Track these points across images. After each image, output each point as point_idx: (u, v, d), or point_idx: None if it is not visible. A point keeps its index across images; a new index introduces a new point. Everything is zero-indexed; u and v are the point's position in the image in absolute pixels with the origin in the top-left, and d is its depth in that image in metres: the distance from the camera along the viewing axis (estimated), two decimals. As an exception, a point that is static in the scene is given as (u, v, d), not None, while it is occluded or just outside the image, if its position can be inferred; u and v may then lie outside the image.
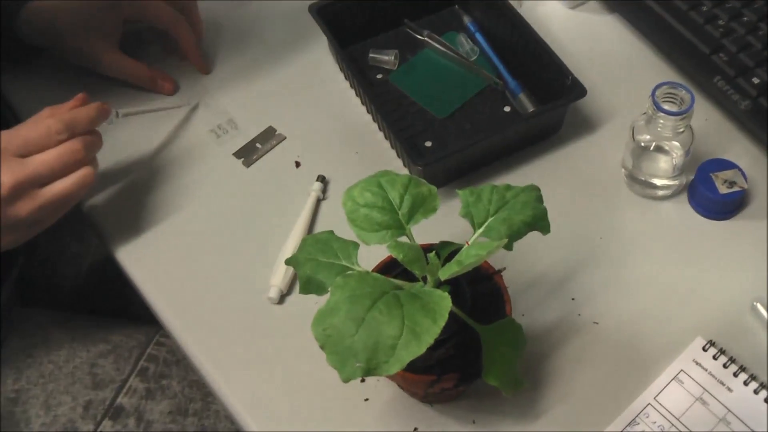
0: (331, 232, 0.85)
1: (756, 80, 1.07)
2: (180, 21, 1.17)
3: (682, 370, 0.91)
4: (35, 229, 0.95)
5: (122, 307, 1.26)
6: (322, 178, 1.07)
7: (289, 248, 1.00)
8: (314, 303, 0.78)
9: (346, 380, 0.71)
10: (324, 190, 1.06)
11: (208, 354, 0.96)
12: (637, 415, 0.88)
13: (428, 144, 1.10)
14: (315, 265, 0.83)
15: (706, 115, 1.11)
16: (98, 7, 1.13)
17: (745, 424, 0.87)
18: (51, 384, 1.08)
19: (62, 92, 1.17)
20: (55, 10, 1.13)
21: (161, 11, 1.16)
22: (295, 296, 0.99)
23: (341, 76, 1.19)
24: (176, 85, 1.19)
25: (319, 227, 1.04)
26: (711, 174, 1.01)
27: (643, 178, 1.03)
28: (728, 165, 1.02)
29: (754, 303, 0.94)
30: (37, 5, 1.13)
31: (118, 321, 1.21)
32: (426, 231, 0.83)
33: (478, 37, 1.20)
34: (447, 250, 0.82)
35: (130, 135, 1.14)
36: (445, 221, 0.86)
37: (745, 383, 0.89)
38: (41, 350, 1.10)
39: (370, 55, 1.18)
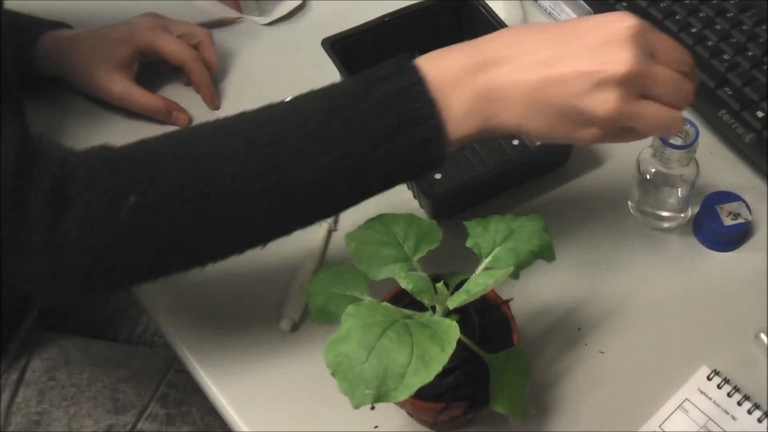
0: (343, 264, 0.86)
1: (761, 114, 1.08)
2: (194, 57, 1.19)
3: (686, 399, 0.92)
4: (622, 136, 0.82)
5: (138, 336, 1.28)
6: None
7: (301, 278, 1.02)
8: (326, 332, 0.80)
9: (356, 406, 0.72)
10: (336, 221, 1.08)
11: (221, 383, 0.97)
12: (642, 443, 0.90)
13: (438, 176, 1.12)
14: (327, 296, 0.85)
15: (711, 148, 1.12)
16: (113, 40, 1.15)
17: (749, 453, 0.89)
18: (73, 407, 1.10)
19: (76, 123, 1.19)
20: (70, 41, 1.15)
21: (176, 47, 1.18)
22: (307, 325, 1.00)
23: (353, 108, 1.20)
24: (190, 117, 1.20)
25: (331, 258, 1.06)
26: (716, 206, 1.03)
27: (649, 210, 1.05)
28: (733, 197, 1.04)
29: (758, 333, 0.95)
30: (53, 36, 1.15)
31: (136, 348, 1.23)
32: (434, 262, 0.85)
33: (488, 70, 1.21)
34: (455, 280, 0.83)
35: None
36: (453, 252, 0.87)
37: (749, 412, 0.90)
38: (63, 373, 1.12)
39: (382, 88, 1.20)
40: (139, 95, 1.17)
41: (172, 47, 1.18)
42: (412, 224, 0.84)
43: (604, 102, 0.77)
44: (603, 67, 0.76)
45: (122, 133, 1.13)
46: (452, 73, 0.79)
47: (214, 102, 1.21)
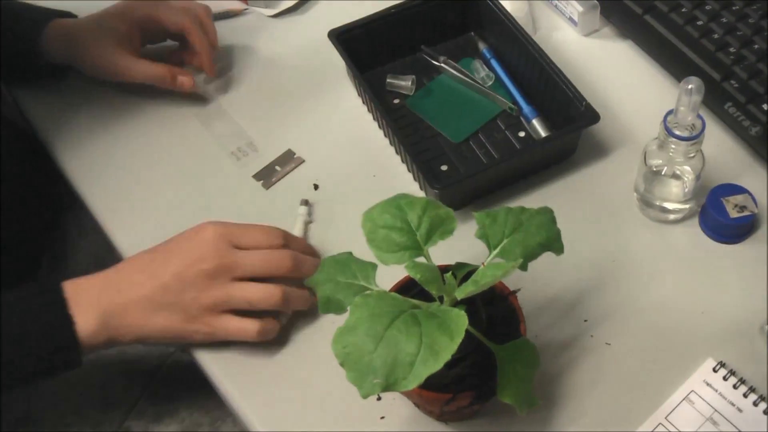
0: (350, 253, 0.86)
1: (766, 106, 1.08)
2: (194, 21, 1.20)
3: (692, 391, 0.92)
4: (192, 330, 0.95)
5: None
6: (305, 202, 1.08)
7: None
8: (332, 323, 0.80)
9: (364, 396, 0.72)
10: (310, 213, 1.08)
11: (227, 372, 0.98)
12: (648, 435, 0.90)
13: (444, 168, 1.12)
14: (334, 285, 0.85)
15: (717, 141, 1.12)
16: (111, 17, 1.17)
17: (755, 444, 0.89)
18: (61, 405, 1.08)
19: (88, 108, 1.20)
20: (73, 28, 1.17)
21: (175, 13, 1.19)
22: (313, 316, 1.00)
23: (359, 100, 1.21)
24: (194, 80, 1.21)
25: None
26: (722, 198, 1.03)
27: (655, 202, 1.05)
28: (739, 190, 1.04)
29: (764, 325, 0.95)
30: (58, 24, 1.16)
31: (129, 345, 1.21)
32: (442, 252, 0.85)
33: (494, 63, 1.22)
34: (463, 271, 0.83)
35: (151, 156, 1.16)
36: (461, 243, 0.88)
37: (755, 404, 0.90)
38: None
39: (388, 80, 1.21)
40: (142, 66, 1.18)
41: (170, 13, 1.19)
42: (429, 211, 0.84)
43: (201, 293, 0.92)
44: (193, 266, 0.93)
45: (134, 116, 1.15)
46: (86, 299, 0.93)
47: (212, 68, 1.23)
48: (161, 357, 1.17)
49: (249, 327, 0.94)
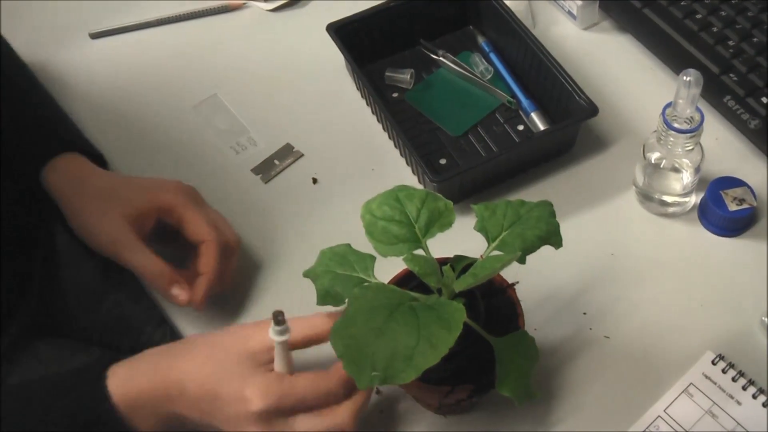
0: (348, 245, 0.86)
1: (765, 100, 1.08)
2: (219, 241, 1.00)
3: (691, 384, 0.92)
4: None
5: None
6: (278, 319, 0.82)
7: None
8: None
9: (363, 388, 0.72)
10: (284, 331, 0.83)
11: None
12: (647, 427, 0.90)
13: (443, 161, 1.12)
14: (332, 277, 0.85)
15: (716, 134, 1.12)
16: (133, 186, 1.04)
17: (754, 437, 0.89)
18: None
19: (83, 110, 1.19)
20: (79, 172, 1.07)
21: (202, 221, 1.01)
22: (313, 309, 1.00)
23: (358, 94, 1.21)
24: (195, 300, 0.99)
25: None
26: (721, 191, 1.03)
27: (654, 195, 1.05)
28: (738, 183, 1.04)
29: (763, 318, 0.95)
30: (60, 162, 1.06)
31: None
32: (441, 245, 0.85)
33: (492, 56, 1.22)
34: (462, 264, 0.83)
35: (151, 149, 1.16)
36: (460, 236, 0.87)
37: (754, 396, 0.90)
38: None
39: (387, 74, 1.20)
40: (143, 255, 0.99)
41: (197, 219, 1.01)
42: (428, 203, 0.83)
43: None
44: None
45: (132, 110, 1.14)
46: (140, 400, 0.85)
47: (199, 300, 0.99)
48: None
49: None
